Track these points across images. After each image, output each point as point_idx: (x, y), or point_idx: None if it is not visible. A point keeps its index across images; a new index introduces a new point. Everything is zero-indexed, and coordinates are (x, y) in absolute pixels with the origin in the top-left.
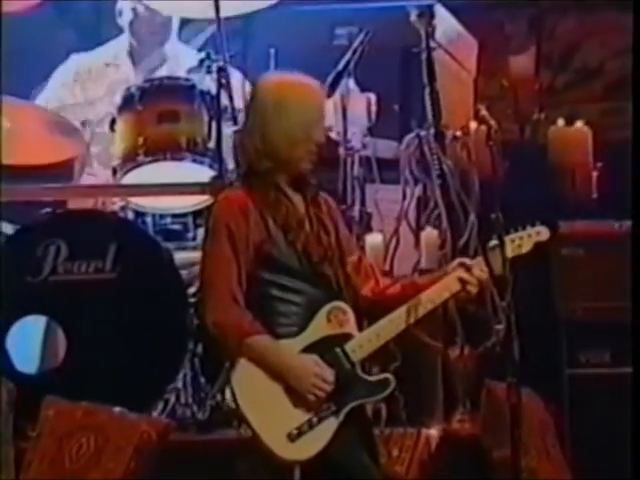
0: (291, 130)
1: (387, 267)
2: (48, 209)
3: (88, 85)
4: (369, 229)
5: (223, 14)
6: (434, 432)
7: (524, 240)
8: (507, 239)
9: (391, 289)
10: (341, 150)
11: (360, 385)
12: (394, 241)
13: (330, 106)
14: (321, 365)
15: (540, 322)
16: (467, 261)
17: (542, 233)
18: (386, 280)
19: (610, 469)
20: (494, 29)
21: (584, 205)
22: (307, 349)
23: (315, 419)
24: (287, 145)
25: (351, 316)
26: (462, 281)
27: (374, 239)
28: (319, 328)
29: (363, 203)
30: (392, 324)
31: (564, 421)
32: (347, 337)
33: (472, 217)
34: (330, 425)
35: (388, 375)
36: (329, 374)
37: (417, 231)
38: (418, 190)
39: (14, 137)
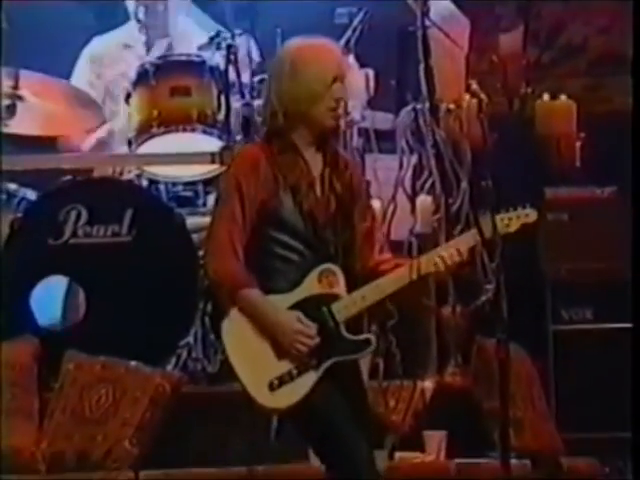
0: (307, 86)
1: (385, 231)
2: (69, 177)
3: (108, 65)
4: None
5: None
6: (428, 384)
7: (512, 221)
8: (497, 218)
9: (386, 265)
10: (341, 122)
11: (342, 343)
12: (391, 207)
13: None
14: (304, 322)
15: (527, 282)
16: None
17: (530, 215)
18: (386, 255)
19: (591, 417)
20: (485, 9)
21: (568, 173)
22: (296, 305)
23: (295, 371)
24: (305, 102)
25: (341, 278)
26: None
27: (373, 205)
28: (309, 287)
29: (362, 172)
30: (378, 289)
31: (549, 374)
32: (335, 298)
33: (464, 184)
34: (309, 378)
35: (370, 335)
36: (312, 331)
37: (413, 197)
38: (414, 159)
39: (37, 110)
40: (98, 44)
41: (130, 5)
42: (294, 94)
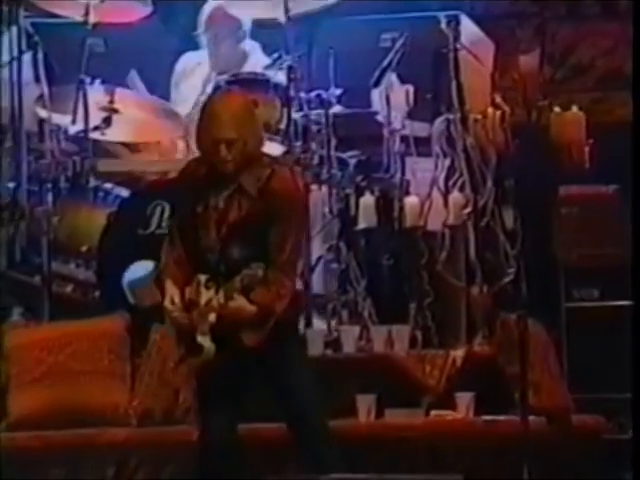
0: None
1: (422, 223)
2: (155, 177)
3: (189, 79)
4: (407, 193)
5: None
6: (459, 353)
7: None
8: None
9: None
10: (385, 131)
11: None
12: (428, 203)
13: (376, 95)
14: None
15: (543, 266)
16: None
17: None
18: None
19: (597, 380)
20: (507, 34)
21: (578, 173)
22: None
23: None
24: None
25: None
26: None
27: (412, 201)
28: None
29: (403, 172)
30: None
31: (561, 344)
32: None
33: (490, 183)
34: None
35: (201, 341)
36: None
37: (446, 194)
38: (447, 162)
39: (129, 121)
40: (188, 59)
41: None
42: None
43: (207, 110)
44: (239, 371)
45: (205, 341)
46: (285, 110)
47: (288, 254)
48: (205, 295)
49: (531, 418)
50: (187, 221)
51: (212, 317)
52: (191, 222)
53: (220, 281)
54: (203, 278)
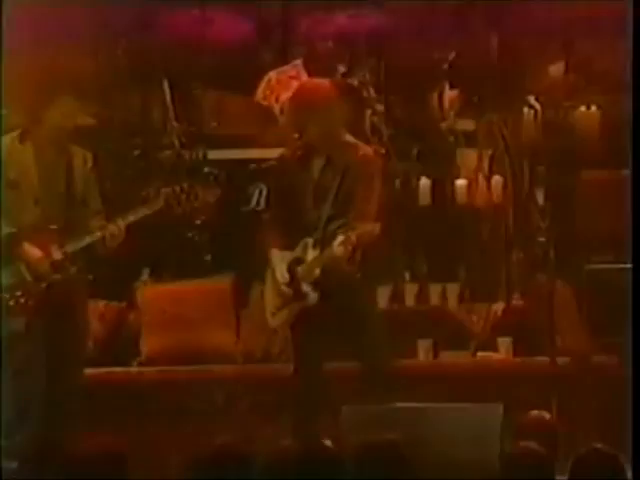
0: None
1: (469, 201)
2: (254, 164)
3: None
4: (458, 177)
5: None
6: (500, 306)
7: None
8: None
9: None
10: (440, 126)
11: (298, 293)
12: (474, 184)
13: (432, 98)
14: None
15: (569, 235)
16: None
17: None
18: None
19: (614, 326)
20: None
21: (596, 159)
22: (292, 261)
23: (280, 306)
24: None
25: (310, 249)
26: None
27: (462, 183)
28: (297, 250)
29: (454, 160)
30: (320, 258)
31: (583, 298)
32: (303, 261)
33: (525, 168)
34: (284, 313)
35: (309, 291)
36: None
37: (489, 177)
38: (490, 152)
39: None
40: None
41: None
42: None
43: (294, 97)
44: (323, 322)
45: (309, 290)
46: (359, 111)
47: (372, 205)
48: (312, 253)
49: (558, 358)
50: (287, 194)
51: (317, 271)
52: (290, 193)
53: (324, 240)
54: (310, 240)
